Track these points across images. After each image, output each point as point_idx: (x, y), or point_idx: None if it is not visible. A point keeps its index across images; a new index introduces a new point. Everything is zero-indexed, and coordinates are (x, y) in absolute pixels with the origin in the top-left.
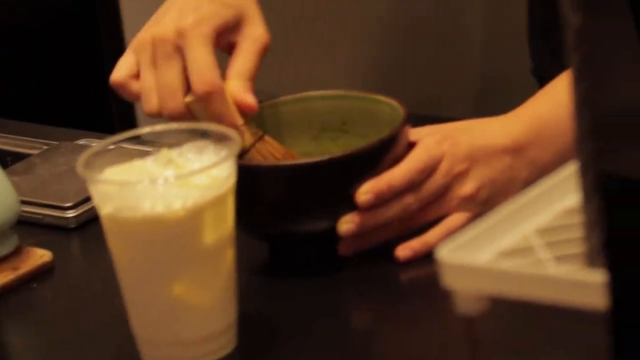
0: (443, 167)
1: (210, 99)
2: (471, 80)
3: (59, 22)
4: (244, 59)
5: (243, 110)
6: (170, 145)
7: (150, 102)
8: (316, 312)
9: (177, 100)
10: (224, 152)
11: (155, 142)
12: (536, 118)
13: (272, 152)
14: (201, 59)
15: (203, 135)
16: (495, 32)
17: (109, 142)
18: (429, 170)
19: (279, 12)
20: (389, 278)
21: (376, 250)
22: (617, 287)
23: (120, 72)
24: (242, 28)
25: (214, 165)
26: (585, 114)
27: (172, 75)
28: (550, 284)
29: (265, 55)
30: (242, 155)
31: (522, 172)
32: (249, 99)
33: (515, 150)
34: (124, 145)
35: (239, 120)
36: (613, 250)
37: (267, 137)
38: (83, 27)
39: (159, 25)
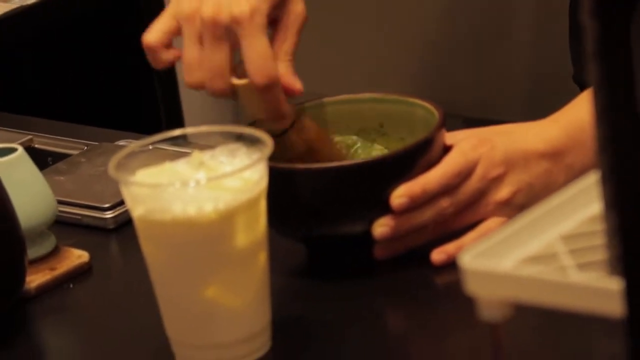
0: (479, 171)
1: (267, 90)
2: (521, 83)
3: (103, 21)
4: (288, 39)
5: (287, 94)
6: (203, 148)
7: (194, 75)
8: (351, 315)
9: (224, 80)
10: (256, 155)
11: (188, 144)
12: (574, 123)
13: (308, 134)
14: (260, 50)
15: (237, 138)
16: (546, 35)
17: (142, 143)
18: (464, 174)
19: (332, 12)
20: (424, 282)
21: (412, 253)
22: (634, 295)
23: (156, 35)
24: (286, 3)
25: (246, 167)
26: (604, 123)
27: (221, 55)
28: (571, 291)
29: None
30: (281, 135)
31: (560, 177)
32: (296, 82)
33: (553, 155)
34: (158, 146)
35: (288, 107)
36: (629, 259)
37: (305, 119)
38: (128, 26)
39: (208, 4)
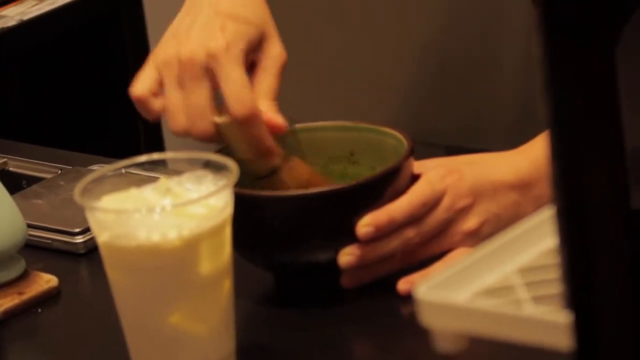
0: (446, 202)
1: (248, 123)
2: (506, 112)
3: (82, 42)
4: (268, 78)
5: (271, 131)
6: (171, 174)
7: (177, 121)
8: (317, 343)
9: (207, 121)
10: (221, 182)
11: (156, 170)
12: (544, 155)
13: (299, 173)
14: (238, 81)
15: (204, 164)
16: (534, 65)
17: (108, 169)
18: (431, 204)
19: (313, 39)
20: (390, 311)
21: (378, 282)
22: (582, 330)
23: (142, 86)
24: (263, 46)
25: (211, 194)
26: (558, 159)
27: (201, 95)
28: (524, 324)
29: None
30: (270, 175)
31: (528, 208)
32: (279, 119)
33: (522, 186)
34: (125, 172)
35: (273, 142)
36: (578, 294)
37: (295, 159)
38: (108, 47)
39: (186, 45)
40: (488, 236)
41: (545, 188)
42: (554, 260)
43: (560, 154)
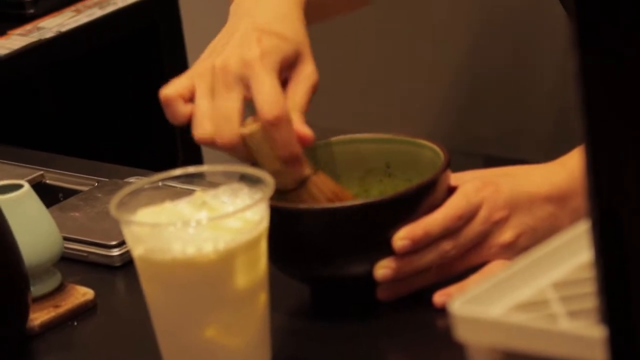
0: (482, 214)
1: (278, 125)
2: (544, 123)
3: (120, 55)
4: (299, 93)
5: (299, 142)
6: (206, 187)
7: (203, 127)
8: (352, 356)
9: (234, 128)
10: (257, 195)
11: (192, 183)
12: (580, 168)
13: (326, 187)
14: (270, 86)
15: (240, 178)
16: (571, 75)
17: (144, 182)
18: (467, 217)
19: (353, 52)
20: (426, 324)
21: (415, 295)
22: (616, 345)
23: (172, 89)
24: (297, 64)
25: (247, 208)
26: (592, 175)
27: (231, 103)
28: (559, 339)
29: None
30: (297, 189)
31: (565, 221)
32: (307, 130)
33: (558, 199)
34: (161, 185)
35: (300, 152)
36: (612, 309)
37: (321, 173)
38: (146, 61)
39: (221, 55)
40: (524, 248)
41: (582, 200)
42: (589, 274)
43: (595, 167)
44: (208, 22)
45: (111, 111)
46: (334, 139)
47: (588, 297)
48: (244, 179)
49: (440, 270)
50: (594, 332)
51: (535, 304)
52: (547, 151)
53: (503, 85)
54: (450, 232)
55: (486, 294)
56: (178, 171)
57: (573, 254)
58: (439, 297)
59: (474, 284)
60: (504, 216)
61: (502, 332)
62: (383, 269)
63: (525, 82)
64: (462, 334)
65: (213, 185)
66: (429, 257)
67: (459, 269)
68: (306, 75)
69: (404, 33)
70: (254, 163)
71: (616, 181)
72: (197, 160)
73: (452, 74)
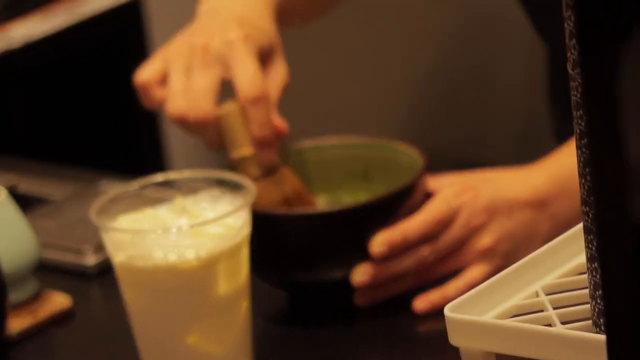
0: (461, 219)
1: (257, 104)
2: (512, 122)
3: (88, 62)
4: (271, 89)
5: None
6: (186, 193)
7: (175, 103)
8: None
9: (207, 105)
10: (238, 202)
11: (171, 189)
12: (560, 172)
13: (290, 184)
14: (252, 65)
15: (219, 183)
16: (536, 78)
17: (124, 188)
18: (445, 222)
19: (325, 55)
20: (405, 329)
21: (394, 301)
22: (613, 348)
23: (148, 73)
24: (270, 60)
25: (229, 214)
26: (588, 178)
27: (208, 80)
28: (553, 342)
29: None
30: (262, 176)
31: (544, 226)
32: (282, 122)
33: (537, 204)
34: (140, 191)
35: (273, 135)
36: (612, 312)
37: (288, 170)
38: (115, 66)
39: (202, 36)
40: (503, 253)
41: (561, 205)
42: (581, 278)
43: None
44: (175, 27)
45: (82, 117)
46: (311, 143)
47: (580, 301)
48: (225, 184)
49: (419, 275)
50: (589, 335)
51: (528, 308)
52: (517, 150)
53: (473, 86)
54: (428, 237)
55: (480, 299)
56: (159, 177)
57: (564, 258)
58: (420, 304)
59: (454, 289)
60: (483, 221)
61: (497, 336)
62: (360, 274)
63: (494, 83)
64: (457, 338)
65: (192, 191)
66: (407, 262)
67: (437, 274)
68: (278, 72)
69: (374, 35)
70: (220, 147)
71: (615, 183)
72: (165, 165)
73: (423, 75)
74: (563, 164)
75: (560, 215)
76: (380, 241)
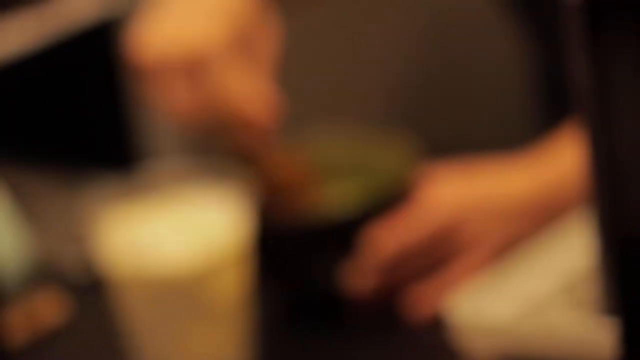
0: (458, 229)
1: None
2: (495, 120)
3: (69, 56)
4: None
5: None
6: (186, 202)
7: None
8: None
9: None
10: (242, 212)
11: (170, 197)
12: (556, 177)
13: (287, 169)
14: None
15: (220, 193)
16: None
17: (123, 197)
18: (442, 233)
19: (307, 43)
20: (406, 330)
21: (388, 312)
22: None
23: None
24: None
25: (228, 224)
26: (598, 174)
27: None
28: (556, 342)
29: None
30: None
31: (538, 230)
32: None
33: (537, 212)
34: (139, 200)
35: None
36: (623, 313)
37: (279, 157)
38: (95, 61)
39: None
40: (497, 260)
41: (554, 210)
42: (589, 273)
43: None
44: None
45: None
46: (301, 137)
47: (589, 297)
48: (225, 194)
49: (414, 287)
50: (595, 334)
51: (532, 304)
52: (501, 146)
53: (454, 83)
54: (425, 248)
55: (479, 297)
56: (159, 184)
57: (571, 256)
58: (417, 312)
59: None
60: (477, 229)
61: (497, 336)
62: (357, 287)
63: (475, 79)
64: (460, 340)
65: (191, 200)
66: (403, 274)
67: (433, 284)
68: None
69: (354, 30)
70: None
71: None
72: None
73: (403, 71)
74: (559, 168)
75: (554, 220)
76: (376, 252)
